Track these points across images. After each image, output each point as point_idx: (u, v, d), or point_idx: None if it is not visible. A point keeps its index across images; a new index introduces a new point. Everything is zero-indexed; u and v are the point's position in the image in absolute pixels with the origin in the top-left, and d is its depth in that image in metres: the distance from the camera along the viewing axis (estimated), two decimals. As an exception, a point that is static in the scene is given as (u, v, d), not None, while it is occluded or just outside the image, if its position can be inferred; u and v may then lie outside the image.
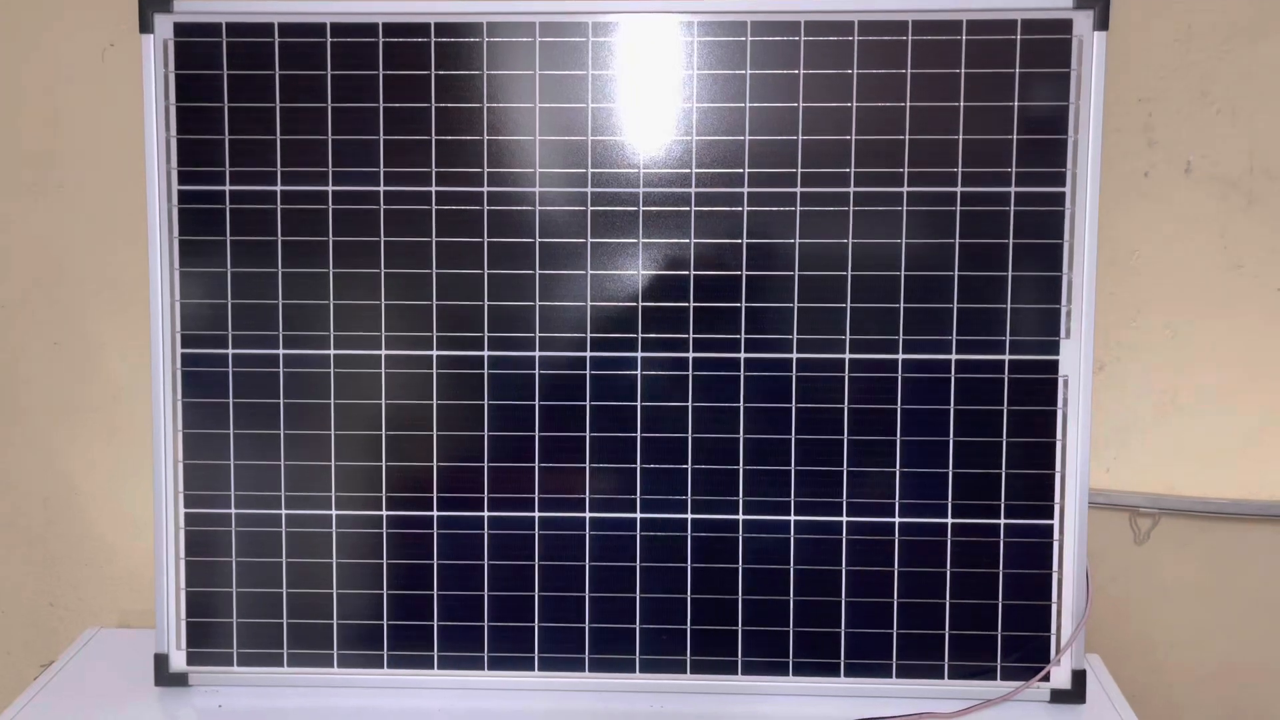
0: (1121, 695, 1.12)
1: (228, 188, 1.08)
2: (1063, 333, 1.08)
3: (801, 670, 1.11)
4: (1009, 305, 1.07)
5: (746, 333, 1.08)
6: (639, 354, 1.09)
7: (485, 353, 1.09)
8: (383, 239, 1.08)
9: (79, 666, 1.18)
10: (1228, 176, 1.18)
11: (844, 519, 1.10)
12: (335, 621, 1.12)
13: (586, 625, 1.11)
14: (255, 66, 1.07)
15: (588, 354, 1.09)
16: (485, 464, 1.10)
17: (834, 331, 1.08)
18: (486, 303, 1.09)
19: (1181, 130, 1.18)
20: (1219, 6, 1.15)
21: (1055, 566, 1.09)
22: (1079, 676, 1.10)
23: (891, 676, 1.10)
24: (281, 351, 1.10)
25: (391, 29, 1.06)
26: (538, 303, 1.09)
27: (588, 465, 1.10)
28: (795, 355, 1.08)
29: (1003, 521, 1.09)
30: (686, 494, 1.10)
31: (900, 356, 1.08)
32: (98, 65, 1.20)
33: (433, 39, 1.07)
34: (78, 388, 1.27)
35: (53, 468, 1.29)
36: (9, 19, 1.20)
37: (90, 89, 1.21)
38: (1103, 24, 1.04)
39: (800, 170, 1.07)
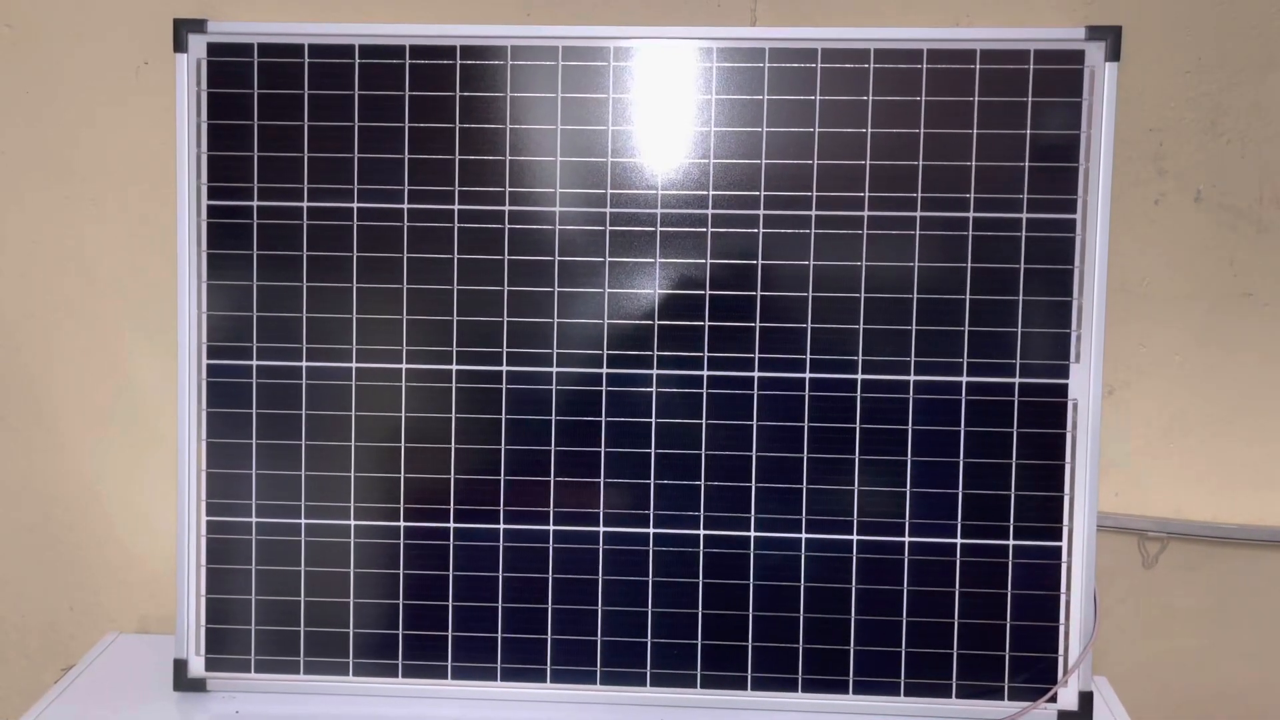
0: (1128, 718, 1.13)
1: (256, 203, 1.11)
2: (1072, 357, 1.09)
3: (810, 687, 1.12)
4: (1019, 329, 1.09)
5: (761, 352, 1.10)
6: (654, 371, 1.11)
7: (504, 368, 1.11)
8: (405, 255, 1.11)
9: (99, 670, 1.20)
10: (1237, 205, 1.20)
11: (854, 537, 1.11)
12: (352, 630, 1.14)
13: (599, 638, 1.12)
14: (285, 86, 1.10)
15: (604, 370, 1.11)
16: (501, 477, 1.12)
17: (847, 352, 1.10)
18: (506, 319, 1.11)
19: (1192, 159, 1.19)
20: (1229, 39, 1.17)
21: (1063, 588, 1.10)
22: (1086, 698, 1.10)
23: (899, 695, 1.11)
24: (305, 364, 1.12)
25: (418, 51, 1.09)
26: (556, 320, 1.11)
27: (602, 480, 1.12)
28: (808, 375, 1.10)
29: (1011, 543, 1.10)
30: (699, 510, 1.11)
31: (912, 378, 1.10)
32: (132, 83, 1.23)
33: (458, 61, 1.09)
34: (104, 395, 1.29)
35: (76, 473, 1.31)
36: (45, 37, 1.24)
37: (124, 106, 1.24)
38: (1114, 55, 1.06)
39: (815, 194, 1.09)
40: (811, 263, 1.09)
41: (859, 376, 1.10)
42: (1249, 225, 1.20)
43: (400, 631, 1.13)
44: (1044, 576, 1.10)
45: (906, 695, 1.11)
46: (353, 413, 1.12)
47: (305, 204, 1.11)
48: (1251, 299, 1.21)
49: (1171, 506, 1.25)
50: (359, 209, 1.11)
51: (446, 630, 1.13)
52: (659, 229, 1.10)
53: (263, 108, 1.10)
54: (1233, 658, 1.26)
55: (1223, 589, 1.25)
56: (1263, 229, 1.20)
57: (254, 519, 1.13)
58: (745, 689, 1.12)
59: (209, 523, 1.13)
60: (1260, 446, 1.24)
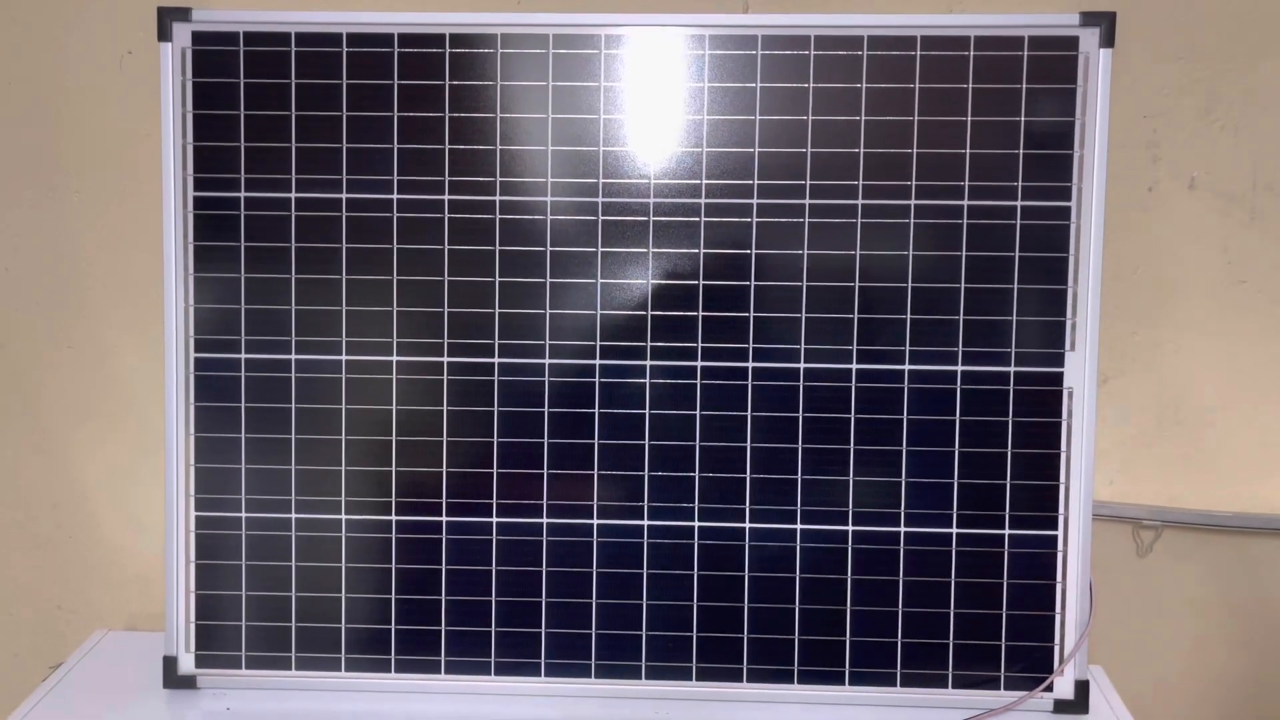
0: (1124, 706, 1.13)
1: (243, 194, 1.10)
2: (1067, 345, 1.09)
3: (806, 678, 1.11)
4: (1014, 318, 1.08)
5: (754, 342, 1.09)
6: (648, 362, 1.10)
7: (495, 360, 1.10)
8: (395, 246, 1.10)
9: (87, 668, 1.18)
10: (1231, 192, 1.20)
11: (849, 528, 1.10)
12: (343, 625, 1.13)
13: (593, 632, 1.12)
14: (272, 75, 1.08)
15: (597, 362, 1.10)
16: (494, 470, 1.11)
17: (841, 342, 1.09)
18: (497, 310, 1.10)
19: (1185, 146, 1.19)
20: (1222, 25, 1.17)
21: (1059, 577, 1.10)
22: (1082, 687, 1.10)
23: (896, 685, 1.11)
24: (294, 357, 1.11)
25: (407, 39, 1.08)
26: (548, 311, 1.10)
27: (596, 472, 1.11)
28: (802, 365, 1.09)
29: (1007, 532, 1.10)
30: (694, 502, 1.11)
31: (906, 367, 1.09)
32: (116, 72, 1.21)
33: (447, 50, 1.08)
34: (90, 391, 1.28)
35: (63, 470, 1.30)
36: (29, 26, 1.22)
37: (108, 96, 1.22)
38: (1108, 41, 1.06)
39: (809, 182, 1.08)
40: (805, 252, 1.09)
41: (854, 366, 1.09)
42: (1242, 212, 1.20)
43: (392, 626, 1.12)
44: (1039, 566, 1.10)
45: (903, 685, 1.11)
46: (343, 406, 1.11)
47: (293, 195, 1.09)
48: (1245, 286, 1.21)
49: (1166, 495, 1.25)
50: (348, 199, 1.09)
51: (439, 625, 1.12)
52: (651, 219, 1.09)
53: (249, 97, 1.09)
54: (1227, 645, 1.26)
55: (1216, 577, 1.25)
56: (1256, 216, 1.20)
57: (243, 514, 1.12)
58: (741, 681, 1.12)
59: (198, 518, 1.12)
60: (1254, 434, 1.24)
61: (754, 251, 1.09)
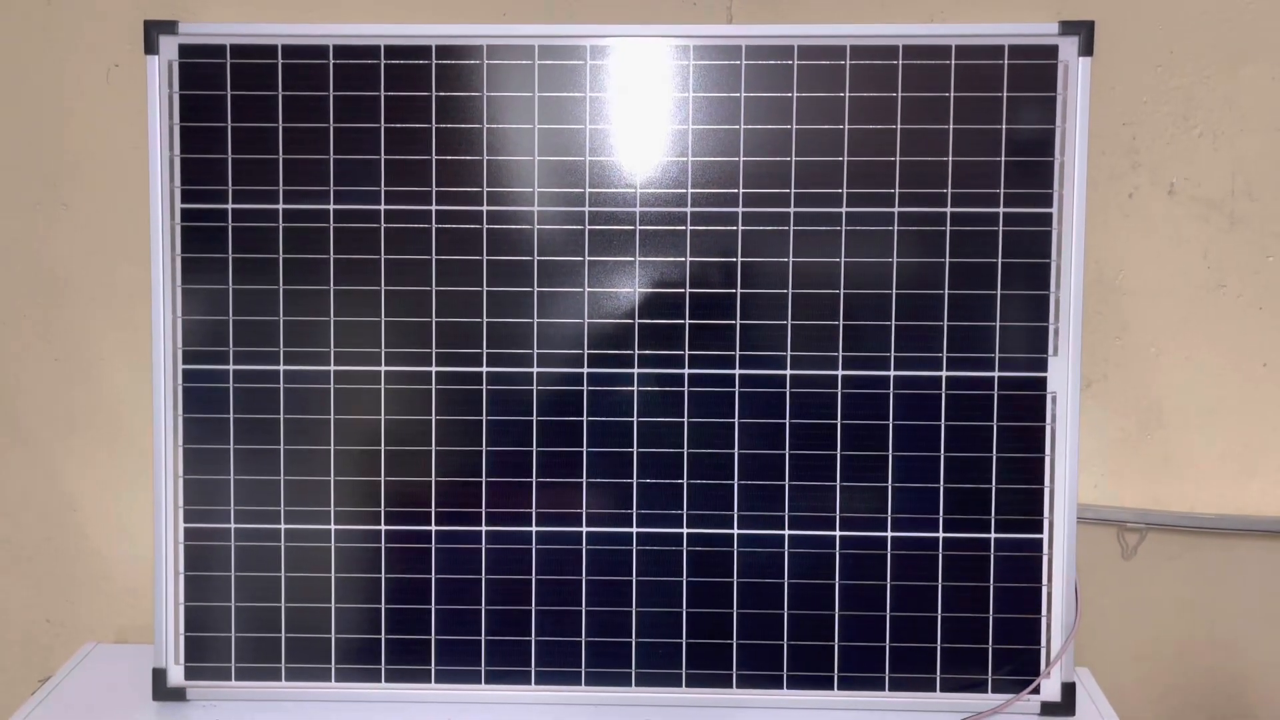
0: (1111, 708, 1.13)
1: (230, 206, 1.10)
2: (1050, 350, 1.10)
3: (795, 683, 1.12)
4: (998, 323, 1.09)
5: (741, 349, 1.10)
6: (635, 370, 1.11)
7: (483, 369, 1.11)
8: (383, 257, 1.10)
9: (76, 681, 1.18)
10: (1210, 198, 1.21)
11: (837, 533, 1.11)
12: (333, 636, 1.13)
13: (583, 639, 1.12)
14: (258, 87, 1.09)
15: (585, 370, 1.11)
16: (483, 479, 1.12)
17: (827, 348, 1.10)
18: (485, 320, 1.10)
19: (1165, 153, 1.20)
20: (1200, 33, 1.18)
21: (1045, 580, 1.11)
22: (1069, 689, 1.11)
23: (884, 689, 1.11)
24: (282, 368, 1.11)
25: (393, 51, 1.08)
26: (535, 320, 1.10)
27: (584, 480, 1.11)
28: (789, 372, 1.10)
29: (993, 536, 1.11)
30: (682, 509, 1.11)
31: (892, 373, 1.10)
32: (102, 86, 1.21)
33: (433, 61, 1.09)
34: (78, 403, 1.27)
35: (52, 483, 1.29)
36: (15, 40, 1.22)
37: (95, 109, 1.22)
38: (1087, 50, 1.07)
39: (794, 190, 1.09)
40: (791, 259, 1.09)
41: (839, 373, 1.10)
42: (1222, 218, 1.21)
43: (383, 636, 1.12)
44: (1025, 569, 1.11)
45: (891, 690, 1.11)
46: (331, 416, 1.11)
47: (280, 206, 1.10)
48: (1225, 290, 1.22)
49: (1150, 497, 1.26)
50: (335, 211, 1.10)
51: (429, 634, 1.12)
52: (638, 227, 1.10)
53: (236, 110, 1.09)
54: (1212, 646, 1.27)
55: (1201, 578, 1.26)
56: (1235, 221, 1.21)
57: (233, 525, 1.12)
58: (730, 687, 1.12)
59: (187, 530, 1.12)
60: (1235, 436, 1.25)
61: (740, 259, 1.10)
